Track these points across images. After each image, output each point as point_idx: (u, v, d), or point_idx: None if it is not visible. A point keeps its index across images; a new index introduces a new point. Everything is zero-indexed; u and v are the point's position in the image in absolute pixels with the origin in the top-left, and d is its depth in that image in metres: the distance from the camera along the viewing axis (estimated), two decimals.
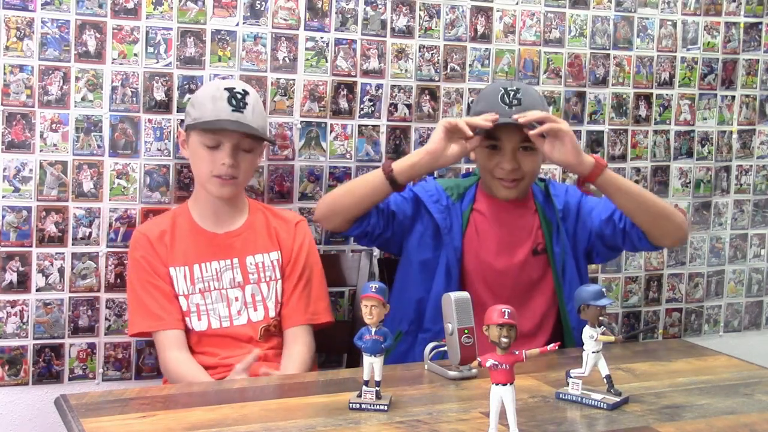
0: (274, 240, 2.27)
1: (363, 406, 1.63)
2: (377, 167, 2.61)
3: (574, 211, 2.29)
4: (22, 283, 2.30)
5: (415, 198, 2.26)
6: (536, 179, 2.33)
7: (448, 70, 2.69)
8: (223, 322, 2.19)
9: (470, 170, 2.51)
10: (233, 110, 2.12)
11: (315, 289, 2.28)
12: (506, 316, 1.46)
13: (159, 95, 2.39)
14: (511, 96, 2.15)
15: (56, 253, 2.32)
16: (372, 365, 1.63)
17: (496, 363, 1.46)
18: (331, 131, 2.57)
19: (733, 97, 3.10)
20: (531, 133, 2.06)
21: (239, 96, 2.14)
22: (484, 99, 2.23)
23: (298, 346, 2.20)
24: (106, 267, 2.37)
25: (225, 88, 2.15)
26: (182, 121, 2.30)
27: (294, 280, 2.25)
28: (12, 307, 2.30)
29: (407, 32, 2.63)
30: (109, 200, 2.36)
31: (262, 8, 2.47)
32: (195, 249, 2.20)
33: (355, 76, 2.58)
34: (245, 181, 2.25)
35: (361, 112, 2.60)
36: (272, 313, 2.23)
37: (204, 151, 2.14)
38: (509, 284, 2.22)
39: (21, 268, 2.30)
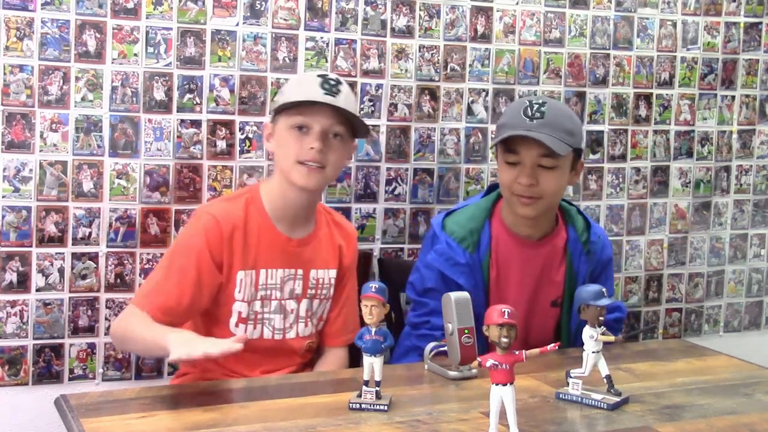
0: (337, 256, 2.16)
1: (363, 406, 1.63)
2: (377, 167, 2.63)
3: (597, 274, 2.22)
4: (22, 283, 2.30)
5: (438, 271, 2.14)
6: (576, 216, 2.23)
7: (448, 70, 2.69)
8: (276, 334, 2.09)
9: (474, 170, 2.50)
10: (325, 93, 1.99)
11: (351, 304, 2.21)
12: (506, 316, 1.46)
13: (159, 95, 2.39)
14: (534, 109, 2.05)
15: (56, 253, 2.32)
16: (372, 365, 1.63)
17: (496, 363, 1.46)
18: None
19: (733, 97, 3.10)
20: None
21: (332, 82, 2.01)
22: (508, 111, 2.16)
23: (334, 366, 2.15)
24: (106, 267, 2.36)
25: (318, 75, 2.04)
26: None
27: (344, 299, 2.18)
28: (12, 307, 2.30)
29: (407, 32, 2.63)
30: (109, 200, 2.36)
31: (262, 8, 2.47)
32: (266, 253, 2.05)
33: (355, 76, 2.58)
34: (332, 176, 2.09)
35: (361, 112, 2.60)
36: (314, 330, 2.16)
37: (291, 135, 2.00)
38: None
39: (21, 268, 2.30)
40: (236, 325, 2.06)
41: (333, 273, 2.16)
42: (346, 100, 2.03)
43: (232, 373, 2.04)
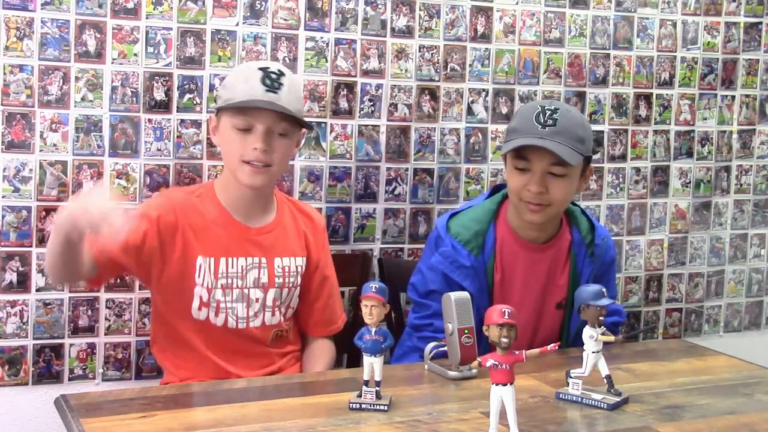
0: (303, 245, 2.17)
1: (363, 406, 1.63)
2: (377, 167, 2.63)
3: (599, 276, 2.19)
4: (22, 283, 2.30)
5: (442, 274, 2.12)
6: (580, 217, 2.21)
7: (448, 70, 2.69)
8: (240, 323, 2.10)
9: (474, 170, 2.51)
10: (267, 90, 1.98)
11: (335, 293, 2.23)
12: (506, 316, 1.47)
13: (159, 95, 2.39)
14: (546, 115, 2.02)
15: None
16: (372, 365, 1.63)
17: (496, 363, 1.46)
18: (331, 131, 2.57)
19: (733, 97, 3.10)
20: None
21: (273, 76, 1.99)
22: (520, 115, 2.12)
23: (324, 355, 2.18)
24: None
25: (259, 68, 2.01)
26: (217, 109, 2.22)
27: (321, 289, 2.19)
28: (12, 307, 2.30)
29: (407, 32, 2.63)
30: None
31: (262, 8, 2.47)
32: (225, 241, 2.06)
33: (355, 76, 2.58)
34: (279, 172, 2.11)
35: (361, 112, 2.60)
36: (282, 318, 2.15)
37: (235, 134, 2.00)
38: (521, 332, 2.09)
39: (21, 268, 2.30)
40: (199, 309, 2.07)
41: (300, 261, 2.16)
42: (288, 95, 2.01)
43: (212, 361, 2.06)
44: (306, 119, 2.49)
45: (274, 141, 2.01)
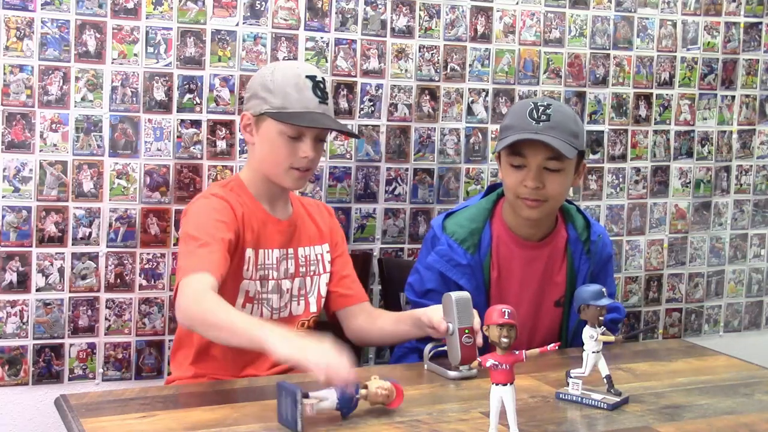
0: (321, 232, 2.22)
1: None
2: (377, 167, 2.63)
3: (597, 272, 2.20)
4: (22, 283, 2.30)
5: (439, 273, 2.14)
6: (575, 215, 2.22)
7: (448, 70, 2.69)
8: (273, 314, 2.11)
9: (474, 170, 2.50)
10: (320, 102, 2.04)
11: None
12: (506, 316, 1.47)
13: (159, 95, 2.39)
14: (539, 111, 2.04)
15: (56, 253, 2.32)
16: None
17: (496, 363, 1.46)
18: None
19: (733, 97, 3.10)
20: None
21: (322, 86, 2.06)
22: (513, 113, 2.13)
23: (381, 310, 2.21)
24: (106, 267, 2.36)
25: (307, 76, 2.05)
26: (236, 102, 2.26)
27: (348, 265, 2.24)
28: (12, 307, 2.30)
29: (407, 32, 2.63)
30: (109, 200, 2.36)
31: (262, 8, 2.47)
32: (263, 233, 2.09)
33: (355, 76, 2.58)
34: (313, 172, 2.23)
35: (361, 112, 2.60)
36: (314, 308, 2.17)
37: (283, 141, 2.03)
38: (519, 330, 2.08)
39: (21, 268, 2.30)
40: (243, 306, 2.06)
41: (319, 249, 2.19)
42: (331, 103, 2.10)
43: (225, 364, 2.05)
44: None
45: (318, 146, 2.09)
